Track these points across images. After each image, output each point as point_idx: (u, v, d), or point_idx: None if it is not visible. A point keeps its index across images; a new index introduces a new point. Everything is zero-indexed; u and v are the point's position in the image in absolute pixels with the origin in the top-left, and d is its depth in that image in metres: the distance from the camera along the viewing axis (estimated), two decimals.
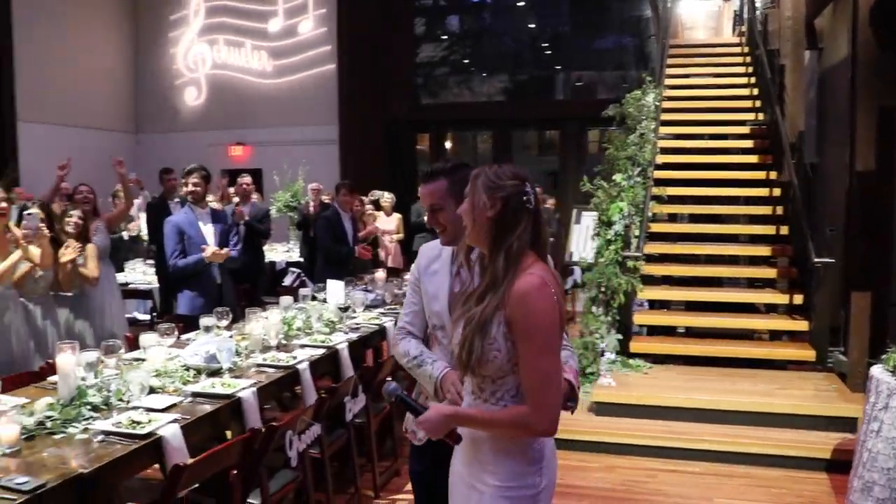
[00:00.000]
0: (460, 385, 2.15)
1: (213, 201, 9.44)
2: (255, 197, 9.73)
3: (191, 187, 5.44)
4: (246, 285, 7.43)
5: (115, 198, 7.65)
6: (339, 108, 12.54)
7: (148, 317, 7.39)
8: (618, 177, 6.44)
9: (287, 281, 9.05)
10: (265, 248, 9.96)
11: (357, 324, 5.16)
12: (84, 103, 11.92)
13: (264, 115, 12.88)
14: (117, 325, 5.76)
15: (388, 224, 9.67)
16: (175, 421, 2.99)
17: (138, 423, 2.90)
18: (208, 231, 5.38)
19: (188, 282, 5.35)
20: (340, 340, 4.60)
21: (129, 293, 7.27)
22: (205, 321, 4.44)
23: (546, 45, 13.63)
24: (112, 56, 12.91)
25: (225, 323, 4.55)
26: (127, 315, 6.77)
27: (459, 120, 13.82)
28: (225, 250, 5.26)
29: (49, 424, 2.88)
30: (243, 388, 3.49)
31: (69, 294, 5.03)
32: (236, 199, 8.18)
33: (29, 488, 2.32)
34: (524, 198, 1.96)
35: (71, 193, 6.62)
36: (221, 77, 13.25)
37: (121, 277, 7.14)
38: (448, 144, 15.30)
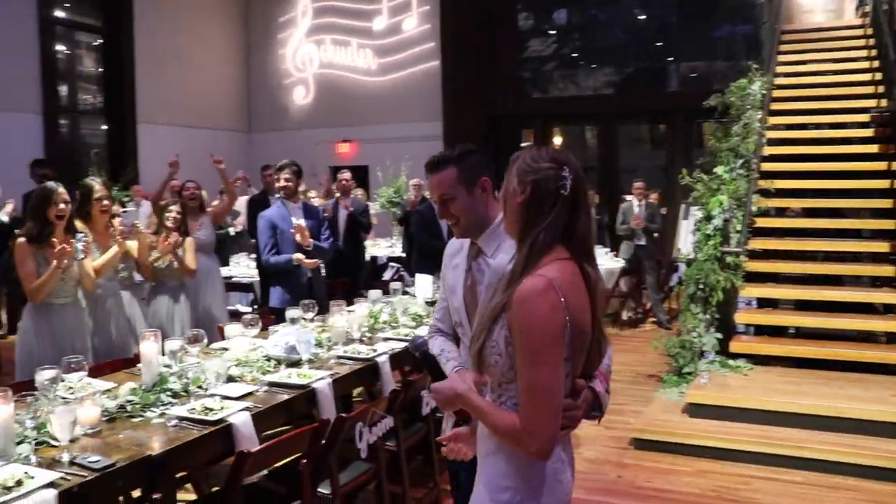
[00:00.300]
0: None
1: (315, 197, 9.75)
2: (359, 193, 9.95)
3: (283, 182, 5.57)
4: (345, 279, 7.55)
5: (222, 194, 7.98)
6: (443, 104, 12.60)
7: (249, 309, 7.65)
8: (719, 169, 6.14)
9: (387, 275, 9.18)
10: (368, 243, 10.17)
11: None
12: (199, 104, 12.49)
13: (370, 113, 13.10)
14: (218, 316, 5.97)
15: None
16: (246, 409, 3.06)
17: (211, 409, 2.99)
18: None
19: (278, 276, 5.50)
20: (424, 334, 4.60)
21: (233, 286, 7.55)
22: (291, 313, 4.53)
23: (655, 36, 13.22)
24: (225, 58, 13.48)
25: (311, 315, 4.64)
26: (230, 307, 7.03)
27: (566, 114, 13.61)
28: (313, 261, 5.35)
29: (129, 408, 3.01)
30: (319, 379, 3.54)
31: (170, 284, 5.27)
32: (338, 195, 8.36)
33: (99, 466, 2.43)
34: (559, 183, 1.76)
35: (179, 190, 6.93)
36: (328, 76, 13.59)
37: (225, 271, 7.42)
38: (557, 140, 15.11)
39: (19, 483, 2.27)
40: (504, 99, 12.93)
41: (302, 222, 5.52)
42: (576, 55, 13.72)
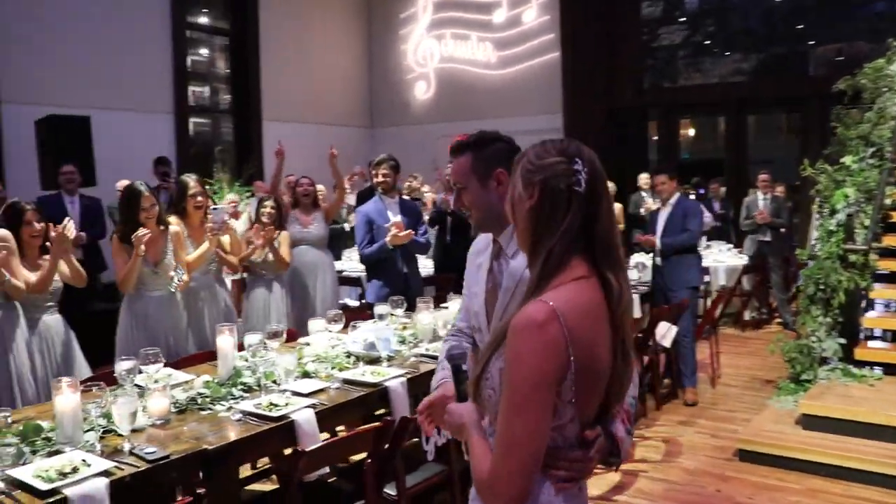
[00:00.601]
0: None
1: (430, 191, 9.79)
2: None
3: (380, 178, 5.60)
4: (452, 274, 7.52)
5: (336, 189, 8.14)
6: (563, 97, 12.31)
7: (357, 303, 7.77)
8: (847, 159, 5.62)
9: None
10: None
11: None
12: (322, 101, 12.80)
13: (490, 107, 13.00)
14: (326, 310, 6.07)
15: None
16: (311, 406, 3.06)
17: (276, 405, 3.00)
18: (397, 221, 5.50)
19: (375, 271, 5.53)
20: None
21: (343, 280, 7.69)
22: (378, 309, 4.54)
23: (792, 18, 12.34)
24: (348, 55, 13.76)
25: (400, 311, 4.63)
26: (341, 301, 7.16)
27: (693, 103, 12.96)
28: (406, 232, 5.32)
29: (199, 401, 3.08)
30: (392, 378, 3.49)
31: (266, 277, 5.42)
32: (444, 189, 8.35)
33: (152, 458, 2.48)
34: (571, 179, 1.51)
35: (294, 185, 7.11)
36: (449, 70, 13.60)
37: (338, 265, 7.57)
38: (691, 130, 14.53)
39: (75, 470, 2.35)
40: (626, 90, 12.48)
41: (398, 219, 5.53)
42: (704, 42, 13.03)
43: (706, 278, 7.98)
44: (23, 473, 2.33)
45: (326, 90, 13.00)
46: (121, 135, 8.86)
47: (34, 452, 2.53)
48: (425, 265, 8.52)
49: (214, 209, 4.60)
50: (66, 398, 2.60)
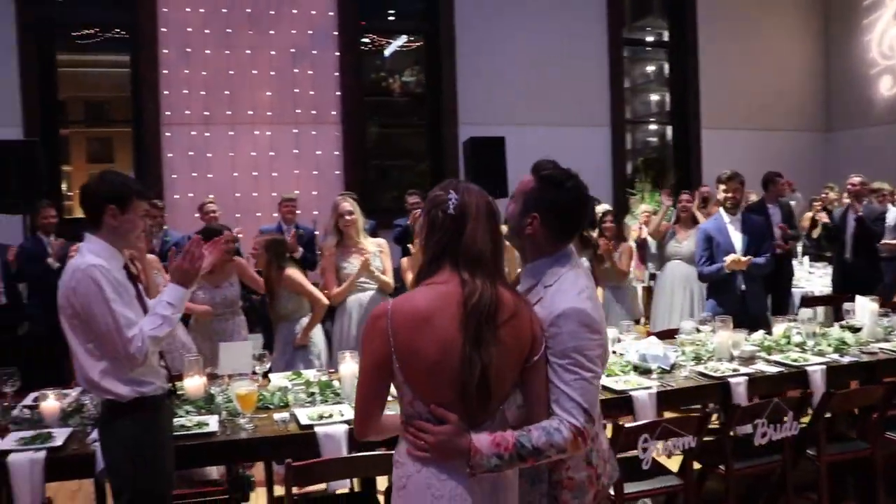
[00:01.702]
0: None
1: (839, 205, 8.88)
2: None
3: (730, 193, 5.58)
4: (854, 294, 6.97)
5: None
6: None
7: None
8: None
9: None
10: None
11: (880, 348, 4.58)
12: (768, 105, 12.16)
13: None
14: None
15: None
16: None
17: None
18: (737, 238, 5.44)
19: (712, 289, 5.57)
20: (814, 362, 4.26)
21: None
22: (684, 324, 4.79)
23: None
24: (798, 53, 12.80)
25: (707, 328, 4.74)
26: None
27: None
28: (746, 258, 5.27)
29: None
30: (636, 389, 3.76)
31: (607, 284, 5.92)
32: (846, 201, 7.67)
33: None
34: (444, 205, 1.94)
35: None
36: None
37: None
38: None
39: (330, 416, 3.29)
40: None
41: (738, 236, 5.45)
42: None
43: None
44: (301, 412, 3.35)
45: (773, 93, 12.32)
46: (555, 149, 9.93)
47: (324, 402, 3.55)
48: (824, 284, 7.89)
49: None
50: (348, 365, 3.58)
